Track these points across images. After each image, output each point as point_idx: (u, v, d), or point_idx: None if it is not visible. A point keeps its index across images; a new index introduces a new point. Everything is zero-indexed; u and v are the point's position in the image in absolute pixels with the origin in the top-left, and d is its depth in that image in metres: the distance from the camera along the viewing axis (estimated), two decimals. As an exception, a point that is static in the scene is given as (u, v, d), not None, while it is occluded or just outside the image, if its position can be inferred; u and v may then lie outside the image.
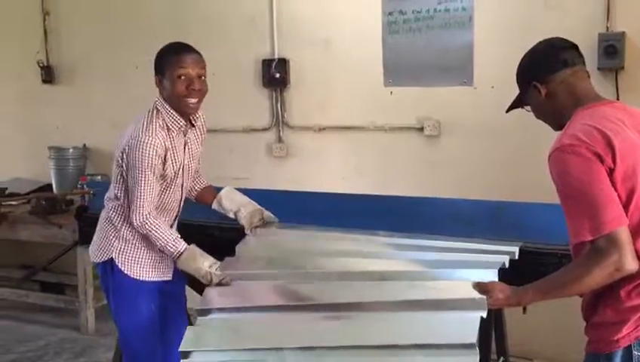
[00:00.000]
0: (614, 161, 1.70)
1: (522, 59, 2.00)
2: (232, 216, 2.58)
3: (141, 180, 2.36)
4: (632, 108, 1.89)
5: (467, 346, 1.81)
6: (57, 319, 4.56)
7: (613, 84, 3.31)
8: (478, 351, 1.81)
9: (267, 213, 2.61)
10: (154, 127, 2.37)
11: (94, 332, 4.33)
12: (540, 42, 1.98)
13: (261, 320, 2.11)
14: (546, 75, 1.89)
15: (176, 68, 2.35)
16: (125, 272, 2.46)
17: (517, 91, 2.10)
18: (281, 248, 2.49)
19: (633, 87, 3.30)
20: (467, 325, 1.87)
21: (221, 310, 2.17)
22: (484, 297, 1.91)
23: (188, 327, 2.16)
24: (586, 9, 3.37)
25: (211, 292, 2.27)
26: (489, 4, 3.62)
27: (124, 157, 2.39)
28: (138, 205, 2.38)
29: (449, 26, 3.68)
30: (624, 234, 1.67)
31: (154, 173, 2.37)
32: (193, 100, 2.39)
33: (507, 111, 2.10)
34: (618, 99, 3.30)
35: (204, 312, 2.18)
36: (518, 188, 3.39)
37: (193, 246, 2.39)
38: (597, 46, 3.27)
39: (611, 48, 3.27)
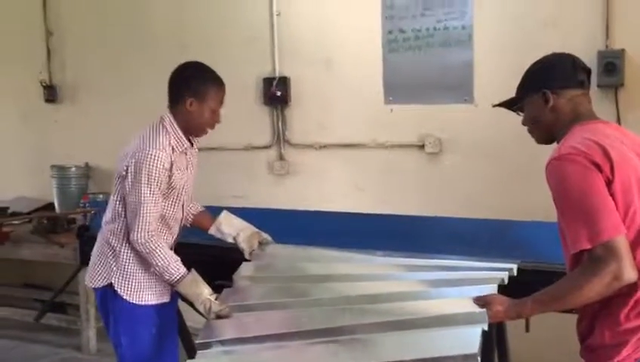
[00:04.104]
0: (612, 173, 1.71)
1: (537, 64, 1.99)
2: (230, 240, 2.58)
3: (147, 195, 2.32)
4: (626, 129, 1.92)
5: (468, 357, 1.79)
6: (59, 338, 4.53)
7: (613, 101, 3.32)
8: (479, 361, 1.79)
9: (264, 235, 2.61)
10: (161, 140, 2.37)
11: (96, 352, 4.31)
12: (562, 54, 1.99)
13: (261, 349, 2.07)
14: (560, 88, 1.90)
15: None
16: (125, 298, 2.44)
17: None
18: (279, 276, 2.47)
19: (633, 104, 3.31)
20: (468, 337, 1.86)
21: (222, 342, 2.13)
22: (485, 310, 1.90)
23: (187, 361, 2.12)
24: (585, 27, 3.39)
25: (211, 325, 2.24)
26: (488, 23, 3.64)
27: (129, 171, 2.36)
28: (143, 221, 2.34)
29: (449, 44, 3.70)
30: (622, 243, 1.66)
31: (159, 188, 2.36)
32: (211, 130, 2.49)
33: (494, 106, 2.11)
34: (619, 116, 3.32)
35: (204, 346, 2.14)
36: (519, 206, 3.38)
37: (194, 271, 2.38)
38: (596, 63, 3.28)
39: (611, 65, 3.29)
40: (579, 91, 1.92)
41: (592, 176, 1.70)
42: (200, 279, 2.36)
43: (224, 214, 2.62)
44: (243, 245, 2.55)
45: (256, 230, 2.60)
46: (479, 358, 1.80)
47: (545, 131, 1.96)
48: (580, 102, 1.91)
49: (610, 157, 1.72)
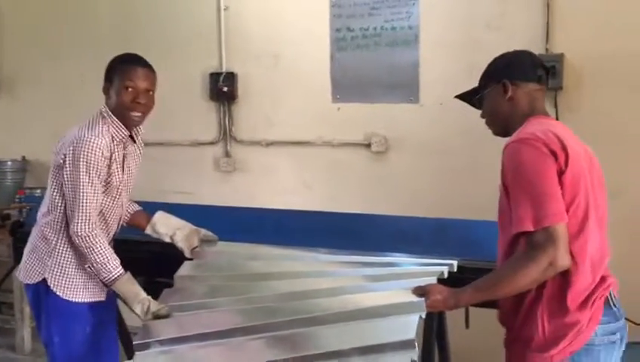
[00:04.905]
0: (566, 164, 1.77)
1: (499, 59, 2.05)
2: (167, 240, 2.50)
3: (86, 184, 2.23)
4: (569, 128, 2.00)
5: (406, 343, 1.83)
6: (-8, 338, 4.38)
7: (552, 103, 3.42)
8: (417, 347, 1.82)
9: (204, 232, 2.54)
10: (100, 129, 2.30)
11: (30, 351, 4.18)
12: (523, 51, 2.07)
13: (200, 347, 2.04)
14: (520, 80, 1.96)
15: (124, 78, 2.32)
16: (59, 294, 2.35)
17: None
18: (221, 274, 2.43)
19: (571, 107, 3.42)
20: (406, 325, 1.89)
21: (160, 342, 2.08)
22: (422, 299, 1.93)
23: None
24: (526, 31, 3.47)
25: (149, 325, 2.18)
26: (434, 24, 3.69)
27: (67, 160, 2.26)
28: (83, 212, 2.24)
29: (396, 43, 3.74)
30: (562, 230, 1.73)
31: (99, 177, 2.27)
32: (137, 114, 2.35)
33: (456, 97, 2.15)
34: (557, 118, 3.42)
35: (143, 346, 2.08)
36: (464, 203, 3.44)
37: (129, 273, 2.30)
38: (537, 67, 3.37)
39: (551, 69, 3.38)
40: (537, 86, 1.98)
41: (547, 162, 1.77)
42: (135, 281, 2.29)
43: (159, 214, 2.54)
44: (181, 244, 2.49)
45: (195, 228, 2.53)
46: (416, 343, 1.83)
47: (501, 123, 2.01)
48: (536, 97, 1.98)
49: (566, 149, 1.78)
